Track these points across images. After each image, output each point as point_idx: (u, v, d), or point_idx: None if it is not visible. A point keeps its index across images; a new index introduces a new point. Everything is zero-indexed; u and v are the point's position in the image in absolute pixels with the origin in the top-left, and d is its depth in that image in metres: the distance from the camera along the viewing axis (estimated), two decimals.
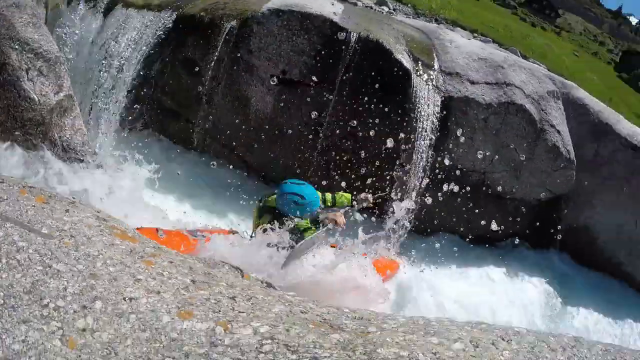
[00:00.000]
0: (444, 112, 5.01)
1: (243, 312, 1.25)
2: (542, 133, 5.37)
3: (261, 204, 3.54)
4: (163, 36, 5.23)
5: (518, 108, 5.16)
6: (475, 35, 15.71)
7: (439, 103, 4.93)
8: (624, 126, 6.44)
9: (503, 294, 5.27)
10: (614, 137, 6.14)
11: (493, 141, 5.21)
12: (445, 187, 4.18)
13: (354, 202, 3.69)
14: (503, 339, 1.35)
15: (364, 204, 3.70)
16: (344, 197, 3.70)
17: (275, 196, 3.39)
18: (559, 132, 5.46)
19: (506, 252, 5.90)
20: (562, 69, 14.67)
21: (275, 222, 3.18)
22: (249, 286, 1.53)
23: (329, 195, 3.64)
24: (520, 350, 1.30)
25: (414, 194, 4.59)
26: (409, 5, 16.88)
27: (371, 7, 12.89)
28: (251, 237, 3.47)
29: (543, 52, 17.13)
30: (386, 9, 14.34)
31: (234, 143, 5.50)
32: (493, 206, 5.48)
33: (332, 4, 5.52)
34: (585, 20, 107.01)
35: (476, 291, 5.03)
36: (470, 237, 5.34)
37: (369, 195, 3.71)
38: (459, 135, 4.92)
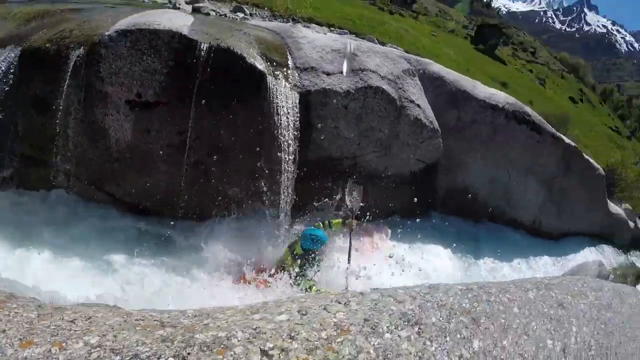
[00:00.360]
0: (305, 107, 5.46)
1: (78, 330, 1.37)
2: (402, 110, 6.12)
3: (292, 250, 5.02)
4: (10, 75, 5.00)
5: (375, 90, 5.79)
6: (332, 29, 17.16)
7: (297, 99, 5.35)
8: (481, 90, 7.76)
9: (412, 267, 5.86)
10: (473, 101, 7.41)
11: (357, 126, 5.84)
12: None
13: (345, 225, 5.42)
14: (339, 302, 1.49)
15: (352, 227, 5.30)
16: (337, 222, 5.52)
17: (299, 244, 4.99)
18: (418, 105, 6.30)
19: (397, 224, 6.73)
20: (419, 49, 16.90)
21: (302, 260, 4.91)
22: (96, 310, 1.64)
23: (328, 223, 5.46)
24: (360, 309, 1.42)
25: (288, 189, 5.34)
26: (266, 8, 18.17)
27: (225, 15, 13.42)
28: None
29: (399, 35, 19.71)
30: (241, 15, 15.06)
31: (99, 179, 5.49)
32: (372, 186, 6.19)
33: (182, 16, 5.74)
34: (440, 2, 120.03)
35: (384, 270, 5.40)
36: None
37: (353, 221, 5.34)
38: (322, 126, 5.54)
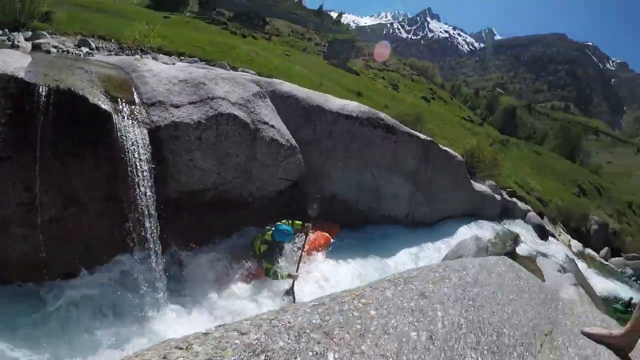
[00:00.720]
0: (156, 143, 5.15)
1: None
2: (257, 132, 6.13)
3: (262, 238, 5.96)
4: None
5: (227, 117, 5.70)
6: (182, 57, 16.76)
7: (147, 136, 5.02)
8: (333, 103, 8.12)
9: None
10: (326, 114, 7.72)
11: (213, 155, 5.68)
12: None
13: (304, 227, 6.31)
14: (180, 348, 1.39)
15: (309, 230, 6.29)
16: (299, 224, 6.34)
17: (270, 232, 5.94)
18: (273, 126, 6.38)
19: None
20: (272, 70, 17.13)
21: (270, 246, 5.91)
22: None
23: (291, 222, 6.31)
24: (203, 351, 1.34)
25: (153, 231, 5.02)
26: (113, 40, 17.20)
27: (69, 51, 12.49)
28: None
29: (251, 59, 19.64)
30: (86, 49, 14.02)
31: None
32: (243, 210, 6.28)
33: (19, 57, 5.07)
34: (292, 22, 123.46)
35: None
36: None
37: (309, 225, 6.28)
38: (176, 161, 5.31)
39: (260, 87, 6.94)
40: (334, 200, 7.90)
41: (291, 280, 5.80)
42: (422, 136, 10.02)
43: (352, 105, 8.36)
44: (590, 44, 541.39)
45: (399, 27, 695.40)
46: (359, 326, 1.61)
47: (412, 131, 9.85)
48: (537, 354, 2.06)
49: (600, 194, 67.89)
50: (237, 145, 5.85)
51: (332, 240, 7.21)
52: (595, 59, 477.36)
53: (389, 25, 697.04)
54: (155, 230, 5.00)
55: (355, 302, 1.81)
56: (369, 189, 8.63)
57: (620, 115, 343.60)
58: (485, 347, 1.83)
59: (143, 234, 4.95)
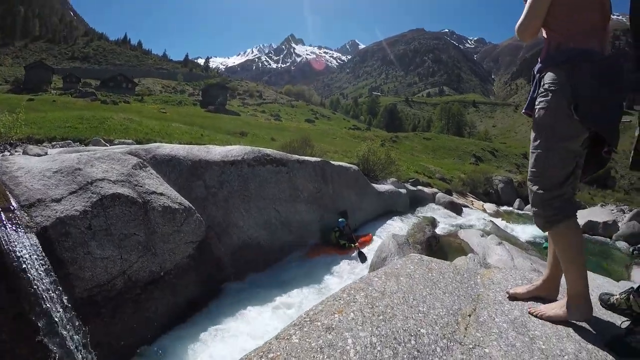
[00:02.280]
0: (48, 245, 4.70)
1: None
2: (147, 205, 5.83)
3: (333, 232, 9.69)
4: None
5: (112, 198, 5.37)
6: (54, 142, 15.74)
7: (36, 241, 4.57)
8: (216, 152, 8.13)
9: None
10: (212, 166, 7.72)
11: (110, 241, 5.24)
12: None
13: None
14: None
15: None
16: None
17: (336, 229, 9.66)
18: (162, 194, 6.15)
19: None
20: (149, 134, 16.66)
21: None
22: None
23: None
24: None
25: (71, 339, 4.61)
26: None
27: None
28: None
29: (125, 127, 18.58)
30: None
31: None
32: (158, 291, 5.85)
33: None
34: (161, 78, 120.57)
35: None
36: None
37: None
38: (74, 258, 4.83)
39: (139, 157, 6.78)
40: (247, 246, 7.85)
41: (356, 250, 9.43)
42: (313, 159, 10.41)
43: (235, 150, 8.46)
44: (447, 30, 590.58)
45: (267, 59, 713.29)
46: None
47: (303, 157, 10.20)
48: (463, 338, 2.12)
49: (495, 156, 72.82)
50: (131, 223, 5.54)
51: (372, 239, 10.84)
52: (454, 42, 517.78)
53: (256, 59, 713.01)
54: (77, 341, 4.67)
55: None
56: (279, 225, 8.71)
57: (490, 83, 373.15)
58: (405, 355, 1.88)
59: (64, 347, 4.61)
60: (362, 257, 9.03)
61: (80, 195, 5.19)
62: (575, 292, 2.25)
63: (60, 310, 4.48)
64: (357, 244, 9.65)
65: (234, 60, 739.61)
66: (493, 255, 8.71)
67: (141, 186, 5.96)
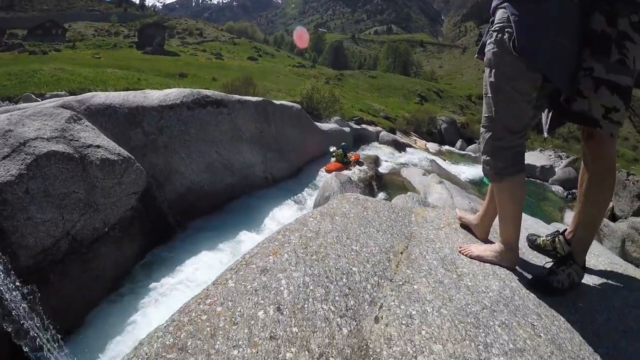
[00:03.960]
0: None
1: None
2: (85, 159, 5.54)
3: (339, 150, 13.01)
4: None
5: (47, 157, 5.07)
6: None
7: None
8: (153, 97, 7.80)
9: None
10: (150, 111, 7.48)
11: (51, 202, 5.01)
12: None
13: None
14: None
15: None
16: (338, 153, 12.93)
17: (340, 149, 13.02)
18: (98, 146, 5.85)
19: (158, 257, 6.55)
20: (81, 83, 15.68)
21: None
22: None
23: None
24: None
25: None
26: None
27: None
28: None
29: (57, 79, 17.29)
30: None
31: None
32: (108, 239, 5.81)
33: None
34: (94, 21, 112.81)
35: None
36: None
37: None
38: (13, 225, 4.56)
39: (73, 109, 6.42)
40: (190, 192, 7.82)
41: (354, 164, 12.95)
42: (254, 99, 10.30)
43: (173, 94, 8.19)
44: None
45: None
46: (208, 328, 1.70)
47: (244, 97, 10.08)
48: (393, 275, 2.22)
49: (440, 97, 74.00)
50: (69, 181, 5.28)
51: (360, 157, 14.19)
52: None
53: None
54: (24, 310, 4.51)
55: (201, 306, 1.85)
56: (221, 168, 8.69)
57: (439, 24, 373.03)
58: (336, 294, 1.97)
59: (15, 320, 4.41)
60: (360, 164, 13.38)
61: (14, 158, 4.89)
62: (507, 241, 2.34)
63: (7, 281, 4.39)
64: (352, 159, 13.32)
65: None
66: (433, 194, 9.06)
67: (77, 140, 5.70)
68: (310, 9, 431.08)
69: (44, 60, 30.27)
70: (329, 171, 11.90)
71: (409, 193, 6.72)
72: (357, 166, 12.87)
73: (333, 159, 12.87)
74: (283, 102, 12.18)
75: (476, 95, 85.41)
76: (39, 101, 11.97)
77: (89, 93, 7.59)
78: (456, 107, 70.39)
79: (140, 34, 78.81)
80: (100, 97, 7.19)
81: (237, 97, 9.71)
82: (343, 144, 13.69)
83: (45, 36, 77.26)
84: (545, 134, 2.52)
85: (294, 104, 12.52)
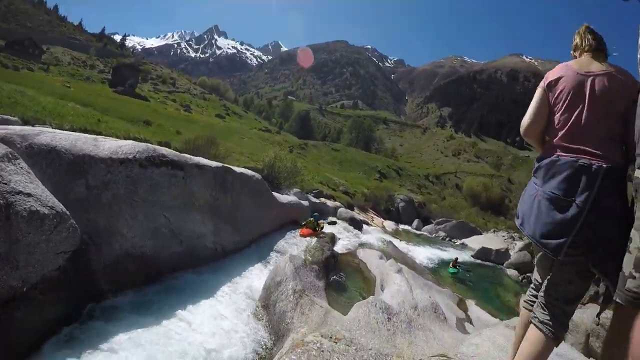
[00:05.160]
0: None
1: None
2: (10, 207, 4.76)
3: (311, 219, 15.26)
4: None
5: None
6: None
7: None
8: (105, 147, 7.12)
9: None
10: (98, 163, 6.74)
11: None
12: None
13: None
14: None
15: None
16: (310, 221, 15.19)
17: (312, 218, 15.46)
18: (29, 194, 5.04)
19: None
20: (38, 112, 14.53)
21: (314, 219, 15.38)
22: None
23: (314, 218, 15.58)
24: None
25: None
26: None
27: None
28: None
29: (13, 101, 15.65)
30: None
31: None
32: (26, 300, 4.91)
33: None
34: (72, 49, 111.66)
35: None
36: None
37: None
38: None
39: (14, 143, 5.72)
40: (131, 257, 6.95)
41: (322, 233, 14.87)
42: (214, 164, 9.69)
43: (127, 147, 7.50)
44: (369, 47, 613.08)
45: (187, 46, 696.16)
46: None
47: (203, 161, 9.46)
48: None
49: (399, 175, 75.69)
50: None
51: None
52: (375, 60, 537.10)
53: (176, 45, 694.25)
54: None
55: None
56: (168, 234, 7.90)
57: (403, 104, 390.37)
58: None
59: None
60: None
61: None
62: None
63: None
64: (321, 228, 15.37)
65: (152, 43, 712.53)
66: (391, 285, 8.67)
67: (6, 183, 4.93)
68: (282, 76, 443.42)
69: (12, 77, 29.06)
70: (302, 235, 14.01)
71: (370, 300, 6.11)
72: (322, 234, 14.86)
73: (303, 227, 14.82)
74: (244, 170, 11.64)
75: (433, 174, 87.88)
76: None
77: (36, 128, 6.96)
78: (414, 185, 72.03)
79: (115, 72, 78.54)
80: (46, 136, 6.49)
81: (195, 160, 9.07)
82: (315, 214, 16.55)
83: (22, 52, 76.81)
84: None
85: (254, 174, 12.01)
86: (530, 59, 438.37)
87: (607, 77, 2.35)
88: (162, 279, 7.51)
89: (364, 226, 22.56)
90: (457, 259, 18.71)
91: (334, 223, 16.99)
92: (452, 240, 31.47)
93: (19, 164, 5.40)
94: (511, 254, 23.29)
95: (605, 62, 2.47)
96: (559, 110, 2.48)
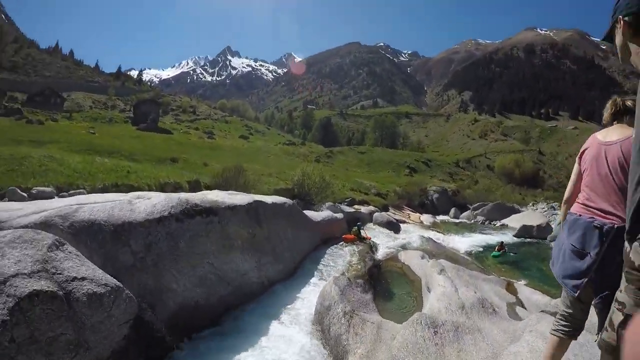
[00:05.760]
0: None
1: None
2: (71, 295, 4.90)
3: (355, 228, 16.39)
4: None
5: (30, 298, 4.50)
6: None
7: None
8: (140, 209, 7.58)
9: None
10: (136, 228, 6.99)
11: (39, 351, 4.42)
12: None
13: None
14: None
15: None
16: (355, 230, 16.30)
17: (356, 227, 16.45)
18: (83, 278, 5.18)
19: None
20: (70, 177, 14.55)
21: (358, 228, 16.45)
22: None
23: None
24: None
25: None
26: None
27: None
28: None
29: (45, 169, 15.88)
30: None
31: None
32: None
33: None
34: (91, 92, 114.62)
35: None
36: None
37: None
38: None
39: (56, 226, 5.98)
40: (185, 309, 7.19)
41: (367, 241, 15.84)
42: (245, 201, 9.87)
43: (161, 204, 7.78)
44: (382, 44, 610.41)
45: (202, 71, 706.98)
46: None
47: (235, 200, 9.68)
48: None
49: (429, 166, 74.98)
50: (56, 322, 4.66)
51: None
52: (389, 56, 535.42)
53: (191, 72, 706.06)
54: None
55: None
56: (215, 279, 8.12)
57: (423, 95, 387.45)
58: None
59: None
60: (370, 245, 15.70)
61: None
62: None
63: None
64: (367, 237, 16.40)
65: (169, 73, 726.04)
66: (436, 287, 8.69)
67: (60, 273, 5.09)
68: (299, 87, 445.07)
69: (38, 133, 29.76)
70: (345, 240, 15.22)
71: (415, 317, 6.19)
72: (366, 241, 15.79)
73: (350, 233, 16.22)
74: (275, 198, 11.86)
75: (463, 159, 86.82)
76: (25, 197, 11.57)
77: (73, 205, 7.05)
78: (445, 174, 71.25)
79: (136, 109, 79.95)
80: (84, 211, 6.76)
81: (227, 202, 9.30)
82: (359, 223, 17.74)
83: (44, 104, 77.79)
84: None
85: (286, 201, 12.21)
86: (545, 30, 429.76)
87: (624, 144, 2.70)
88: (218, 322, 7.74)
89: (402, 226, 22.57)
90: (502, 242, 18.50)
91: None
92: (492, 223, 31.16)
93: (66, 249, 5.61)
94: (552, 226, 22.89)
95: (629, 129, 2.80)
96: (584, 176, 2.96)
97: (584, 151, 3.08)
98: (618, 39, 1.99)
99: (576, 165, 3.16)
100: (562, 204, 3.29)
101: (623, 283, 2.00)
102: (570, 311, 3.05)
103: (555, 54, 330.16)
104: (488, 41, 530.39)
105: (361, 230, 16.51)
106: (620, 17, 1.92)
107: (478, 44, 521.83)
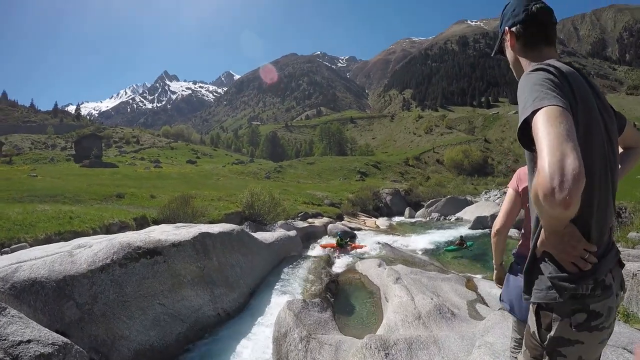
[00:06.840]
0: None
1: None
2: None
3: (339, 238, 18.46)
4: None
5: None
6: None
7: None
8: (81, 259, 7.51)
9: None
10: (79, 280, 6.91)
11: None
12: None
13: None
14: None
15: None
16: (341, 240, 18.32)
17: (339, 237, 18.56)
18: (29, 341, 5.06)
19: None
20: (10, 230, 13.97)
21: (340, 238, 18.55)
22: None
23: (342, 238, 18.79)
24: None
25: None
26: None
27: None
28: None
29: None
30: None
31: None
32: None
33: None
34: (30, 132, 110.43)
35: None
36: None
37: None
38: None
39: None
40: (142, 354, 7.09)
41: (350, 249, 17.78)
42: (190, 236, 9.63)
43: (102, 252, 7.65)
44: (319, 52, 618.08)
45: (141, 99, 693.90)
46: None
47: (179, 237, 9.45)
48: None
49: (379, 169, 76.02)
50: None
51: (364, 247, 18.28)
52: (327, 63, 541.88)
53: (130, 101, 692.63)
54: None
55: None
56: (168, 319, 8.01)
57: (365, 98, 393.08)
58: None
59: None
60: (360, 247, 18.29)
61: None
62: None
63: None
64: (351, 244, 18.32)
65: (107, 104, 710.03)
66: (393, 298, 8.79)
67: (5, 339, 4.97)
68: (241, 104, 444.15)
69: None
70: (323, 247, 18.15)
71: (363, 340, 6.21)
72: (357, 250, 17.71)
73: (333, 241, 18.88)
74: (221, 227, 11.75)
75: (412, 157, 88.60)
76: None
77: (14, 262, 6.91)
78: (396, 175, 72.47)
79: (77, 145, 77.93)
80: (24, 270, 6.62)
81: (171, 239, 9.13)
82: (340, 233, 19.65)
83: None
84: None
85: (233, 227, 12.10)
86: (475, 21, 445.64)
87: None
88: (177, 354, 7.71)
89: (358, 233, 22.73)
90: (462, 237, 18.86)
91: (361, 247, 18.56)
92: (447, 218, 31.81)
93: (8, 313, 5.43)
94: None
95: None
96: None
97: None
98: (508, 53, 1.84)
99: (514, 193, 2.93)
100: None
101: (523, 346, 1.76)
102: (520, 336, 2.77)
103: (487, 42, 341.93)
104: (422, 38, 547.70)
105: (347, 241, 18.61)
106: (507, 27, 1.79)
107: (412, 41, 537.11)
